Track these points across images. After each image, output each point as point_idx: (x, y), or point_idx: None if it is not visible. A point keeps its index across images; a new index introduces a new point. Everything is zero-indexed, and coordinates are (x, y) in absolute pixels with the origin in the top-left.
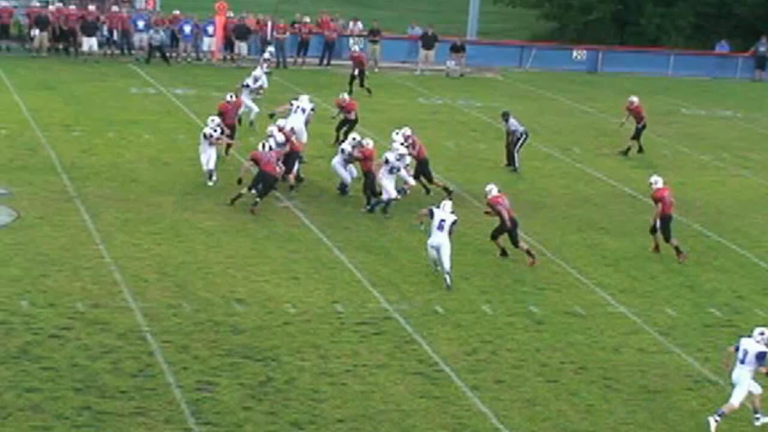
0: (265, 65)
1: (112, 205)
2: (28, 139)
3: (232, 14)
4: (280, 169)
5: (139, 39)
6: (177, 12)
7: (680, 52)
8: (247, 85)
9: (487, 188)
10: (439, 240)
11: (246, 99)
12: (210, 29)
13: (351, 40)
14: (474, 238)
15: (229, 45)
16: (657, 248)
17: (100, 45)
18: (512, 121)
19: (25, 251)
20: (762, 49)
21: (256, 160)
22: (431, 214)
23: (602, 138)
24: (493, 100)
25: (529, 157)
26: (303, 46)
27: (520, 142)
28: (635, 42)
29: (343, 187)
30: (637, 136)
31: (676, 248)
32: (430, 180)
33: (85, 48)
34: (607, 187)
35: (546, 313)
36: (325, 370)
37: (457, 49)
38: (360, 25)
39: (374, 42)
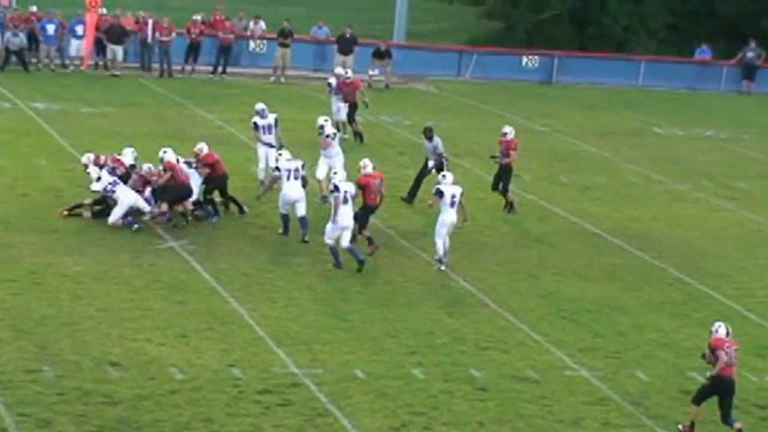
0: None
1: None
2: None
3: (105, 11)
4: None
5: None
6: (35, 8)
7: (652, 58)
8: None
9: (361, 163)
10: (453, 217)
11: None
12: (78, 29)
13: (252, 43)
14: (401, 286)
15: (101, 49)
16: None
17: None
18: (437, 140)
19: None
20: (750, 55)
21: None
22: (440, 194)
23: (557, 163)
24: (425, 116)
25: (469, 186)
26: (193, 51)
27: (444, 166)
28: (598, 46)
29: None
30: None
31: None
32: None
33: None
34: (563, 224)
35: (490, 378)
36: None
37: (380, 54)
38: (262, 24)
39: (284, 46)
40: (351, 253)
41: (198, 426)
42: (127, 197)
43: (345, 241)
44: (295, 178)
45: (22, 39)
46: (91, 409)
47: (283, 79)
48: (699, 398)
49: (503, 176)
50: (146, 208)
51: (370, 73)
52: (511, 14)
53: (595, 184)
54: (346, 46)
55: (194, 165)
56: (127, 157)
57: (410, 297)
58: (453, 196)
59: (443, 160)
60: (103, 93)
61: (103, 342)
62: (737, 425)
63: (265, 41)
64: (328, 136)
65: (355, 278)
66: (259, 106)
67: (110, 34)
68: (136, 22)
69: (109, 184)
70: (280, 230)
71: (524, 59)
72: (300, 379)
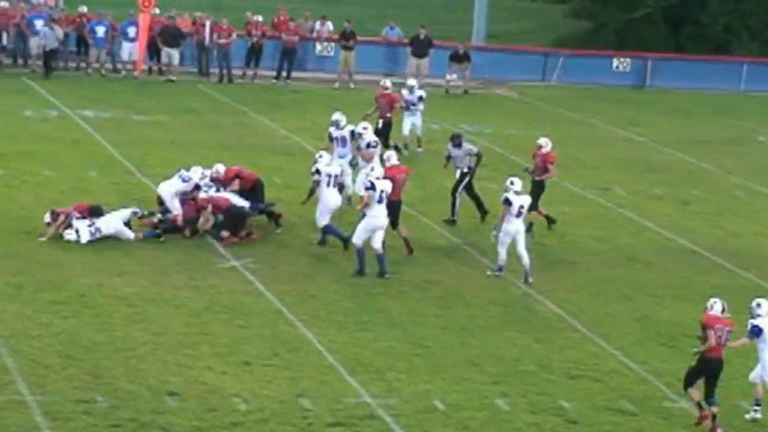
0: None
1: None
2: None
3: (158, 12)
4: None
5: (37, 44)
6: (84, 9)
7: (755, 60)
8: None
9: (386, 155)
10: (518, 227)
11: None
12: (131, 31)
13: (318, 46)
14: (483, 309)
15: (155, 53)
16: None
17: None
18: (466, 146)
19: None
20: None
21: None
22: (509, 203)
23: (653, 175)
24: (507, 124)
25: (554, 199)
26: (254, 54)
27: (466, 178)
28: (695, 48)
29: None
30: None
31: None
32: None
33: None
34: (660, 241)
35: (581, 410)
36: None
37: (459, 58)
38: (330, 25)
39: (347, 48)
40: (378, 261)
41: None
42: (108, 226)
43: (377, 243)
44: (335, 185)
45: (58, 34)
46: None
47: (351, 85)
48: (689, 381)
49: (535, 192)
50: (130, 236)
51: (447, 77)
52: (600, 13)
53: (692, 198)
54: (420, 48)
55: (221, 188)
56: (196, 173)
57: (492, 321)
58: (521, 207)
59: (477, 156)
60: (157, 100)
61: (159, 370)
62: (714, 409)
63: (332, 44)
64: (369, 145)
65: (431, 300)
66: (336, 116)
67: (165, 36)
68: (193, 24)
69: (88, 226)
70: (316, 240)
71: (615, 62)
72: (374, 410)
